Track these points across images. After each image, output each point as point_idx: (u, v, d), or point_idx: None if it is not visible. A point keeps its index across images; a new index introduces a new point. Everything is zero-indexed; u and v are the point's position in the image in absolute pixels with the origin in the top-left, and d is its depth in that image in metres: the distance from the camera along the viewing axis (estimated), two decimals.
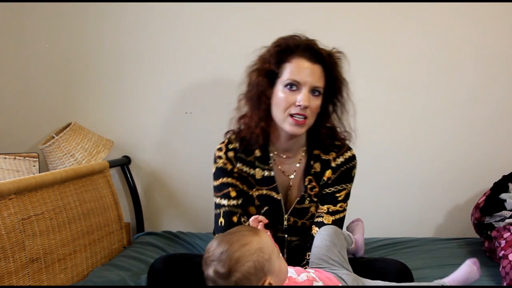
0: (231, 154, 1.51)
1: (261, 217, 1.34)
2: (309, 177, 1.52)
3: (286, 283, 1.17)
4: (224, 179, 1.50)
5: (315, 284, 1.20)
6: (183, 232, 2.19)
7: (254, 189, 1.52)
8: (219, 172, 1.51)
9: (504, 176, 1.95)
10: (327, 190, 1.52)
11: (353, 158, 1.54)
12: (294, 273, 1.23)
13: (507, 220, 1.77)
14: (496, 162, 2.14)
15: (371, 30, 2.17)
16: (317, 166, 1.52)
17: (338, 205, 1.51)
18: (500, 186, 1.90)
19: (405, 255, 1.90)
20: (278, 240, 1.46)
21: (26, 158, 2.17)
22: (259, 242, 1.12)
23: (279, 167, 1.53)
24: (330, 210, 1.50)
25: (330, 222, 1.49)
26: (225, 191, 1.49)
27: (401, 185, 2.23)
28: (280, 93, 1.42)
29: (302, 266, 1.43)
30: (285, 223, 1.53)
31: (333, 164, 1.52)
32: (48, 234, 1.60)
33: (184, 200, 2.35)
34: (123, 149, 2.33)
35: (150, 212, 2.37)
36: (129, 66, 2.30)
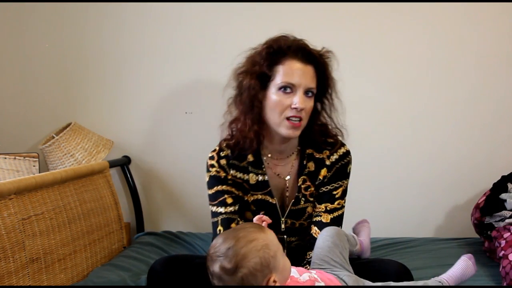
0: (223, 161, 1.49)
1: (265, 217, 1.33)
2: (303, 177, 1.50)
3: (288, 282, 1.17)
4: (219, 187, 1.49)
5: (316, 284, 1.20)
6: (183, 232, 2.19)
7: (249, 195, 1.51)
8: (213, 181, 1.50)
9: (503, 177, 1.95)
10: (323, 189, 1.51)
11: (347, 154, 1.53)
12: (296, 273, 1.23)
13: (507, 220, 1.77)
14: (496, 163, 2.14)
15: (372, 30, 2.17)
16: (311, 165, 1.51)
17: (336, 202, 1.50)
18: (500, 186, 1.90)
19: (405, 255, 1.90)
20: None
21: (26, 158, 2.17)
22: (265, 238, 1.12)
23: (273, 170, 1.52)
24: (328, 209, 1.49)
25: (328, 221, 1.48)
26: (221, 198, 1.48)
27: (401, 185, 2.23)
28: (274, 96, 1.40)
29: (302, 266, 1.43)
30: (283, 226, 1.52)
31: (327, 162, 1.50)
32: (48, 234, 1.60)
33: (184, 200, 2.35)
34: (123, 149, 2.33)
35: (150, 212, 2.37)
36: (129, 66, 2.30)
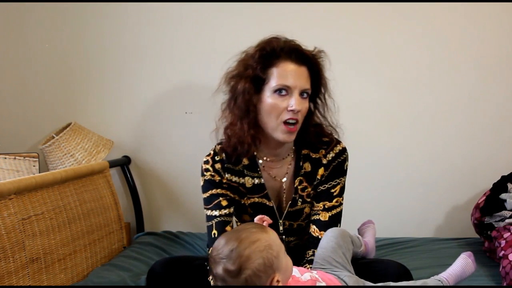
0: (218, 165, 1.48)
1: (266, 217, 1.32)
2: (299, 178, 1.50)
3: (290, 282, 1.18)
4: (214, 191, 1.48)
5: (318, 284, 1.20)
6: (183, 232, 2.19)
7: (245, 198, 1.50)
8: (208, 185, 1.49)
9: (503, 177, 1.95)
10: (321, 188, 1.50)
11: (343, 151, 1.51)
12: (298, 272, 1.23)
13: (507, 220, 1.77)
14: (496, 163, 2.14)
15: (372, 30, 2.17)
16: (307, 166, 1.50)
17: (334, 200, 1.49)
18: (500, 186, 1.90)
19: (405, 255, 1.90)
20: None
21: (26, 158, 2.17)
22: (267, 239, 1.12)
23: (269, 172, 1.51)
24: (326, 207, 1.49)
25: (326, 219, 1.48)
26: (216, 201, 1.47)
27: (401, 185, 2.23)
28: (269, 99, 1.38)
29: (302, 265, 1.43)
30: (281, 227, 1.52)
31: (324, 161, 1.49)
32: (48, 234, 1.60)
33: (184, 200, 2.35)
34: (123, 149, 2.33)
35: (150, 212, 2.37)
36: (129, 66, 2.30)
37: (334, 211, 1.49)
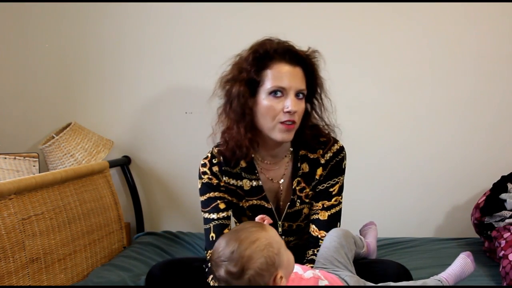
0: (215, 168, 1.47)
1: (266, 217, 1.32)
2: (297, 179, 1.49)
3: (292, 278, 1.17)
4: (211, 194, 1.48)
5: (320, 282, 1.20)
6: (183, 232, 2.19)
7: (243, 200, 1.50)
8: (205, 187, 1.48)
9: (503, 177, 1.95)
10: (320, 187, 1.50)
11: (341, 150, 1.50)
12: (300, 270, 1.23)
13: (507, 220, 1.78)
14: (496, 163, 2.14)
15: (373, 30, 2.17)
16: (305, 167, 1.49)
17: (333, 199, 1.49)
18: (500, 186, 1.90)
19: (405, 255, 1.90)
20: None
21: (26, 158, 2.17)
22: (267, 237, 1.11)
23: (267, 175, 1.50)
24: (325, 206, 1.48)
25: (326, 218, 1.47)
26: (213, 204, 1.47)
27: (401, 185, 2.23)
28: (264, 101, 1.37)
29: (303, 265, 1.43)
30: (280, 229, 1.52)
31: (322, 161, 1.49)
32: (48, 234, 1.60)
33: (184, 200, 2.35)
34: (123, 149, 2.34)
35: (150, 212, 2.37)
36: (129, 66, 2.30)
37: (333, 210, 1.49)
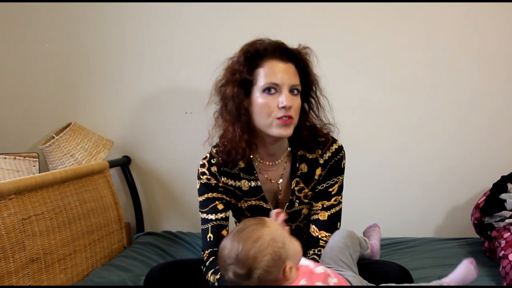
0: (214, 168, 1.47)
1: (282, 213, 1.31)
2: (296, 179, 1.48)
3: (304, 271, 1.17)
4: (210, 194, 1.48)
5: (329, 279, 1.19)
6: (183, 232, 2.19)
7: (242, 201, 1.50)
8: (204, 188, 1.49)
9: (503, 177, 1.95)
10: (319, 187, 1.49)
11: (340, 149, 1.50)
12: (312, 264, 1.23)
13: (507, 220, 1.78)
14: (496, 163, 2.14)
15: (373, 30, 2.17)
16: (303, 167, 1.49)
17: (333, 199, 1.48)
18: (500, 186, 1.90)
19: (405, 255, 1.91)
20: None
21: (26, 158, 2.17)
22: (269, 233, 1.11)
23: (265, 175, 1.49)
24: (325, 206, 1.48)
25: (325, 218, 1.47)
26: (212, 205, 1.47)
27: (401, 185, 2.23)
28: (259, 99, 1.36)
29: None
30: None
31: (321, 161, 1.48)
32: (48, 234, 1.60)
33: (184, 200, 2.35)
34: (123, 149, 2.34)
35: (150, 212, 2.37)
36: (129, 66, 2.30)
37: (333, 210, 1.48)
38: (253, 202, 1.49)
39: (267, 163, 1.49)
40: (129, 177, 2.30)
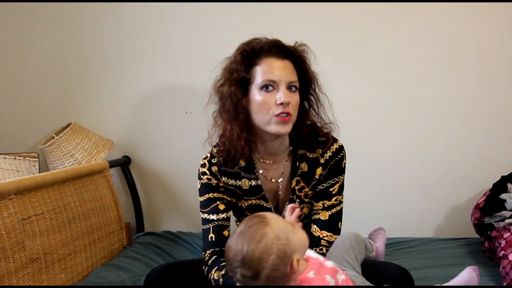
0: (215, 168, 1.47)
1: (298, 208, 1.31)
2: (296, 178, 1.48)
3: (314, 263, 1.17)
4: (211, 194, 1.47)
5: (338, 275, 1.19)
6: (183, 232, 2.19)
7: (242, 200, 1.50)
8: (205, 188, 1.48)
9: (502, 177, 1.95)
10: (319, 187, 1.49)
11: (340, 149, 1.49)
12: (322, 257, 1.24)
13: (507, 220, 1.78)
14: (496, 163, 2.14)
15: (374, 30, 2.17)
16: (304, 166, 1.48)
17: (333, 199, 1.48)
18: (500, 186, 1.90)
19: (405, 255, 1.91)
20: None
21: (26, 158, 2.17)
22: (272, 231, 1.10)
23: (265, 174, 1.49)
24: (325, 206, 1.48)
25: (326, 218, 1.47)
26: (213, 205, 1.47)
27: (401, 185, 2.23)
28: (257, 97, 1.36)
29: None
30: None
31: (321, 161, 1.48)
32: (48, 234, 1.60)
33: (184, 200, 2.35)
34: (123, 149, 2.34)
35: (150, 212, 2.37)
36: (129, 66, 2.30)
37: (334, 210, 1.48)
38: (254, 201, 1.49)
39: (268, 162, 1.49)
40: (129, 177, 2.30)
